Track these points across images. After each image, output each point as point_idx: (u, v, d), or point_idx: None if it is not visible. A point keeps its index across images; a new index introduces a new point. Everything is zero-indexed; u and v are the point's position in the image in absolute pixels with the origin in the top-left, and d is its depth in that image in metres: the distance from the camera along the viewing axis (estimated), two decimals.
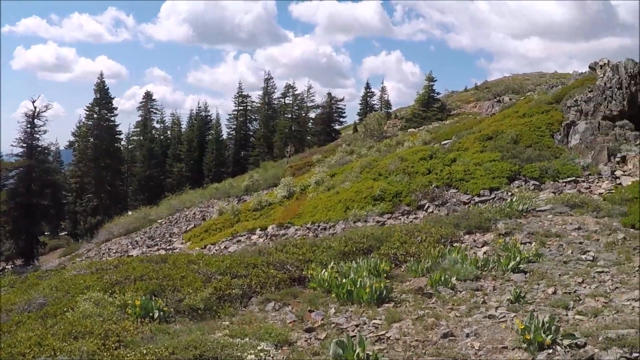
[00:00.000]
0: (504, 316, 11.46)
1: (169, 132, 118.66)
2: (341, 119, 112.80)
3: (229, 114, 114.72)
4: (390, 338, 10.69)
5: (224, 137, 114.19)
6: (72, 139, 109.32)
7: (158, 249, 33.47)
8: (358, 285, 13.30)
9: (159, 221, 46.26)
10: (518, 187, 26.64)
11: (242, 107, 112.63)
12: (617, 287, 13.06)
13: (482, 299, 12.82)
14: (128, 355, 9.49)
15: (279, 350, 10.21)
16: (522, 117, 35.55)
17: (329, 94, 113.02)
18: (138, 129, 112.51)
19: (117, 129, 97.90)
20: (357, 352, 9.38)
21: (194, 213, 45.60)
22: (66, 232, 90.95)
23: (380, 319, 11.73)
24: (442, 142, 37.36)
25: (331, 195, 30.62)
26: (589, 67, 39.88)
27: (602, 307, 11.70)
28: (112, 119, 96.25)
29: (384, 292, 13.11)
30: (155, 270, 15.12)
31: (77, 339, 10.23)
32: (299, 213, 30.10)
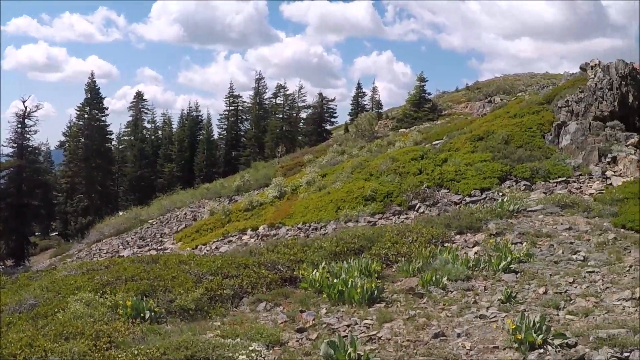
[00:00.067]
0: (495, 316, 11.48)
1: (160, 132, 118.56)
2: (332, 119, 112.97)
3: (220, 114, 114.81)
4: (382, 338, 10.70)
5: (215, 137, 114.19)
6: (62, 139, 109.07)
7: (149, 250, 33.39)
8: (349, 286, 13.31)
9: (150, 221, 46.17)
10: (509, 187, 26.67)
11: (233, 107, 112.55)
12: (607, 287, 13.11)
13: (473, 299, 12.85)
14: (119, 356, 9.47)
15: (271, 351, 10.21)
16: (513, 117, 35.58)
17: (320, 94, 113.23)
18: (129, 129, 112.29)
19: (108, 129, 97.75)
20: (348, 352, 9.38)
21: (185, 213, 45.52)
22: (57, 233, 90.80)
23: (371, 319, 11.74)
24: (433, 143, 37.37)
25: (322, 196, 30.61)
26: (580, 67, 39.96)
27: (592, 307, 11.74)
28: (103, 119, 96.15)
29: (375, 292, 13.12)
30: (146, 271, 15.10)
31: (68, 340, 10.21)
32: (290, 213, 30.07)
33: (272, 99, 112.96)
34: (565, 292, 12.92)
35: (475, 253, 16.96)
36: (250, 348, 9.72)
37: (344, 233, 19.64)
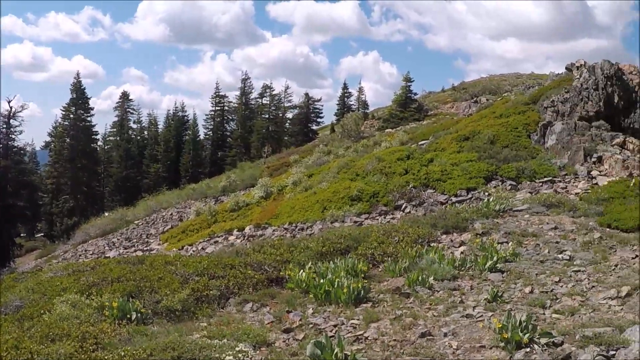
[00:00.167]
0: (482, 315, 11.50)
1: (145, 132, 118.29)
2: (318, 120, 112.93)
3: (206, 114, 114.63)
4: (369, 338, 10.70)
5: (201, 137, 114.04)
6: (48, 139, 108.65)
7: (135, 250, 33.33)
8: (336, 286, 13.30)
9: (136, 222, 46.10)
10: (495, 187, 26.72)
11: (219, 108, 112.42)
12: (593, 286, 13.16)
13: (459, 299, 12.87)
14: (106, 357, 9.44)
15: (257, 351, 10.19)
16: (499, 117, 35.67)
17: (307, 94, 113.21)
18: (115, 129, 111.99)
19: (93, 129, 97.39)
20: (335, 352, 9.37)
21: (171, 214, 45.48)
22: (42, 234, 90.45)
23: (358, 319, 11.74)
24: (420, 143, 37.41)
25: (308, 196, 30.60)
26: (566, 68, 40.09)
27: (578, 305, 11.78)
28: (89, 119, 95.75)
29: (362, 292, 13.12)
30: (132, 272, 15.06)
31: (55, 342, 10.17)
32: (276, 213, 30.06)
33: (258, 99, 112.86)
34: (551, 291, 12.97)
35: (462, 253, 17.00)
36: (237, 349, 9.70)
37: (330, 233, 19.64)
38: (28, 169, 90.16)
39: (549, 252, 16.38)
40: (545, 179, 27.03)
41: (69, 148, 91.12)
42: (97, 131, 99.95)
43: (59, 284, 14.56)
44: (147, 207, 51.58)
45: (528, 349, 9.43)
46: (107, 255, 32.39)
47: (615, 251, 16.25)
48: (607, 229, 18.70)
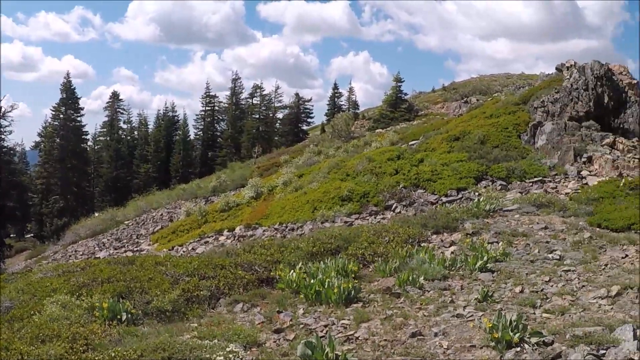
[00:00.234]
0: (472, 315, 11.51)
1: (135, 132, 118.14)
2: (309, 120, 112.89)
3: (196, 115, 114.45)
4: (359, 338, 10.70)
5: (192, 137, 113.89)
6: (38, 139, 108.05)
7: (125, 251, 33.26)
8: (326, 286, 13.30)
9: (126, 222, 45.99)
10: (485, 187, 26.78)
11: (209, 108, 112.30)
12: (583, 286, 13.18)
13: (450, 299, 12.87)
14: (96, 358, 9.41)
15: (248, 352, 10.18)
16: (489, 117, 35.74)
17: (297, 94, 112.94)
18: (105, 130, 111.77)
19: (83, 130, 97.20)
20: (326, 352, 9.37)
21: (161, 214, 45.38)
22: (32, 234, 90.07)
23: (348, 319, 11.73)
24: (410, 143, 37.44)
25: (299, 196, 30.61)
26: (556, 68, 40.21)
27: (569, 305, 11.79)
28: (79, 119, 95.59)
29: (352, 292, 13.11)
30: (122, 272, 15.03)
31: (45, 343, 10.14)
32: (266, 214, 30.05)
33: (248, 99, 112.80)
34: (542, 290, 12.98)
35: (452, 252, 17.00)
36: (228, 349, 9.68)
37: (321, 233, 19.64)
38: (18, 169, 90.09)
39: (539, 252, 16.41)
40: (536, 179, 27.10)
41: (58, 148, 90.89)
42: (87, 131, 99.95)
43: (49, 285, 14.51)
44: (137, 208, 51.45)
45: (518, 349, 9.44)
46: (97, 256, 32.29)
47: (605, 251, 16.28)
48: (597, 229, 18.74)
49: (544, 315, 11.30)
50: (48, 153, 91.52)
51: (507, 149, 30.60)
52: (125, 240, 38.18)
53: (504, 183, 27.20)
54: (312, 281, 13.86)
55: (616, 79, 33.50)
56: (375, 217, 25.78)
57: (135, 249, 33.89)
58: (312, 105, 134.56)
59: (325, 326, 11.48)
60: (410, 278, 14.12)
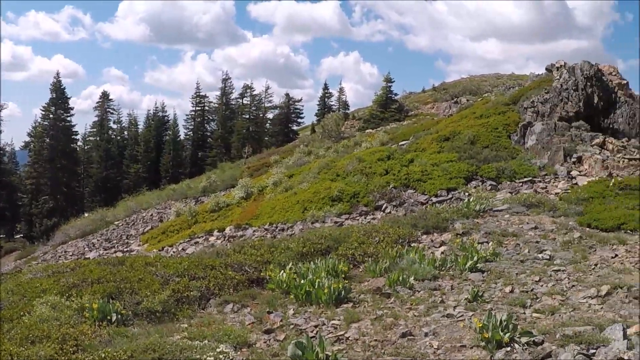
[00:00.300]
0: (462, 315, 11.51)
1: (125, 132, 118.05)
2: (299, 120, 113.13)
3: (186, 115, 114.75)
4: (350, 338, 10.69)
5: (182, 137, 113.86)
6: (27, 139, 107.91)
7: (115, 251, 33.20)
8: (316, 286, 13.28)
9: (116, 223, 45.94)
10: (475, 187, 26.82)
11: (199, 108, 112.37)
12: (573, 285, 13.19)
13: (440, 299, 12.87)
14: (86, 359, 9.38)
15: (238, 352, 10.16)
16: (479, 118, 35.81)
17: (287, 94, 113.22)
18: (95, 130, 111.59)
19: (73, 130, 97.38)
20: (316, 352, 9.35)
21: (151, 214, 45.35)
22: (22, 235, 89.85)
23: (339, 320, 11.72)
24: (400, 143, 37.47)
25: (289, 196, 30.61)
26: (546, 69, 40.35)
27: (559, 305, 11.80)
28: (69, 119, 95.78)
29: (343, 292, 13.10)
30: (112, 273, 14.99)
31: (35, 344, 10.10)
32: (256, 214, 30.04)
33: (238, 100, 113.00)
34: (532, 290, 12.99)
35: (442, 253, 17.00)
36: (218, 350, 9.66)
37: (311, 234, 19.62)
38: (7, 169, 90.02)
39: (529, 252, 16.42)
40: (525, 179, 27.16)
41: (48, 148, 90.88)
42: (77, 131, 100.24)
43: (38, 286, 14.47)
44: (127, 208, 51.40)
45: (509, 348, 9.44)
46: (87, 257, 32.23)
47: (595, 250, 16.31)
48: (587, 229, 18.78)
49: (534, 315, 11.30)
50: (38, 153, 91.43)
51: (497, 149, 30.66)
52: (115, 241, 38.13)
53: (494, 183, 27.25)
54: (302, 281, 13.83)
55: (606, 80, 33.61)
56: (365, 218, 25.79)
57: (125, 249, 33.84)
58: (303, 106, 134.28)
59: (316, 326, 11.47)
60: (401, 278, 14.11)
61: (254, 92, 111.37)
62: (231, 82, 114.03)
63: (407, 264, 15.39)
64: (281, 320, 11.94)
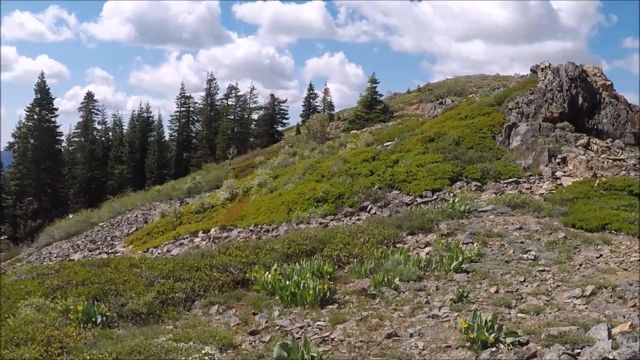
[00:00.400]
0: (447, 316, 11.52)
1: (110, 133, 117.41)
2: (284, 121, 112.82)
3: (171, 115, 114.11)
4: (335, 339, 10.68)
5: (166, 138, 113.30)
6: (11, 140, 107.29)
7: (100, 253, 33.08)
8: (302, 287, 13.27)
9: (101, 224, 45.76)
10: (460, 188, 26.86)
11: (184, 109, 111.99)
12: (558, 285, 13.24)
13: (425, 299, 12.87)
14: None
15: (224, 354, 10.13)
16: (464, 119, 35.88)
17: (272, 95, 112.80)
18: (79, 130, 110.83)
19: (57, 130, 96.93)
20: (301, 353, 9.34)
21: (136, 216, 45.22)
22: (6, 236, 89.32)
23: (324, 321, 11.71)
24: (385, 144, 37.51)
25: (274, 197, 30.59)
26: (531, 70, 40.50)
27: (544, 305, 11.84)
28: (53, 119, 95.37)
29: (328, 293, 13.10)
30: (97, 275, 14.92)
31: (19, 346, 10.04)
32: (241, 215, 30.00)
33: (223, 100, 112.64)
34: (517, 291, 13.02)
35: (427, 253, 17.02)
36: (203, 351, 9.63)
37: (296, 235, 19.59)
38: None
39: (514, 252, 16.46)
40: (510, 179, 27.22)
41: (32, 149, 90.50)
42: (61, 132, 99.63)
43: (23, 288, 14.37)
44: (111, 209, 51.20)
45: (494, 349, 9.46)
46: (71, 258, 32.09)
47: (580, 251, 16.37)
48: (572, 229, 18.84)
49: (519, 315, 11.33)
50: (22, 154, 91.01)
51: (481, 150, 30.72)
52: (99, 242, 38.00)
53: (479, 184, 27.30)
54: (287, 283, 13.82)
55: (590, 80, 33.77)
56: (350, 218, 25.80)
57: (109, 250, 33.74)
58: (288, 107, 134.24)
59: (301, 328, 11.46)
60: (386, 279, 14.12)
61: (239, 93, 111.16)
62: (216, 82, 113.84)
63: (392, 265, 15.39)
64: (266, 322, 11.92)
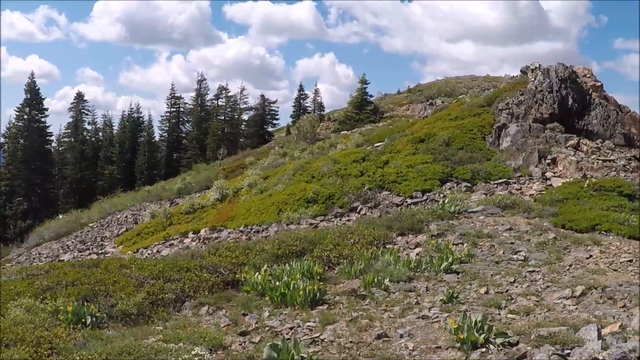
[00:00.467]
0: (437, 316, 11.51)
1: (100, 133, 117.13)
2: (274, 121, 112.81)
3: (161, 116, 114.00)
4: (325, 340, 10.66)
5: (157, 139, 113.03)
6: (1, 140, 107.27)
7: (90, 253, 33.02)
8: (292, 288, 13.24)
9: (91, 225, 45.65)
10: (450, 188, 26.89)
11: (174, 109, 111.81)
12: (548, 286, 13.26)
13: (415, 300, 12.86)
14: None
15: (214, 355, 10.11)
16: (454, 119, 35.90)
17: (262, 95, 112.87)
18: (69, 131, 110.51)
19: (47, 131, 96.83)
20: (291, 354, 9.32)
21: (126, 216, 45.12)
22: None
23: (314, 322, 11.68)
24: (375, 145, 37.51)
25: (264, 198, 30.56)
26: (521, 70, 40.56)
27: (533, 305, 11.85)
28: (43, 120, 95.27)
29: (318, 294, 13.08)
30: (87, 275, 14.86)
31: (9, 347, 9.99)
32: (231, 216, 29.96)
33: (214, 101, 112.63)
34: (507, 291, 13.03)
35: (417, 254, 17.01)
36: (193, 352, 9.61)
37: (286, 235, 19.57)
38: None
39: (504, 253, 16.47)
40: (500, 180, 27.26)
41: (22, 149, 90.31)
42: (51, 132, 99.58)
43: (12, 288, 14.30)
44: (102, 210, 51.07)
45: (484, 349, 9.45)
46: (61, 259, 32.03)
47: (570, 251, 16.40)
48: (562, 230, 18.87)
49: (509, 316, 11.34)
50: (12, 154, 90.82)
51: (472, 150, 30.75)
52: (89, 243, 37.93)
53: (469, 185, 27.34)
54: (277, 283, 13.79)
55: (580, 81, 33.85)
56: (340, 219, 25.79)
57: (99, 251, 33.69)
58: (278, 107, 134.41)
59: (291, 328, 11.44)
60: (376, 280, 14.11)
61: (229, 94, 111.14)
62: (206, 83, 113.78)
63: (382, 266, 15.38)
64: (256, 323, 11.89)
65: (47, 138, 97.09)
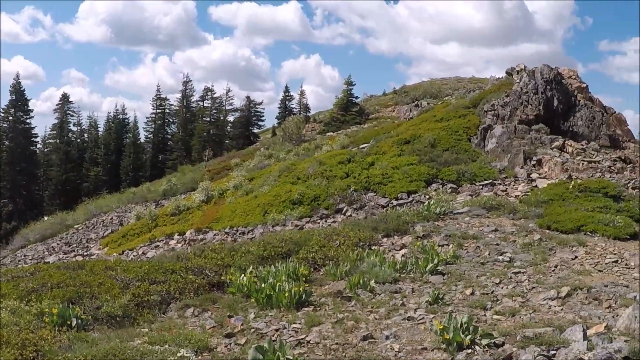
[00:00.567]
0: (423, 318, 11.50)
1: (86, 135, 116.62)
2: (260, 123, 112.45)
3: (147, 117, 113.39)
4: (310, 342, 10.64)
5: (142, 140, 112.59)
6: None
7: (75, 255, 32.94)
8: (277, 290, 13.22)
9: (76, 226, 45.55)
10: (435, 190, 26.92)
11: (160, 110, 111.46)
12: (533, 287, 13.28)
13: (401, 301, 12.86)
14: None
15: (199, 357, 10.08)
16: (440, 121, 35.98)
17: (248, 97, 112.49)
18: (54, 132, 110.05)
19: (33, 132, 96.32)
20: (277, 356, 9.31)
21: (112, 218, 45.03)
22: None
23: (300, 323, 11.66)
24: (361, 146, 37.56)
25: (250, 200, 30.54)
26: (506, 72, 40.68)
27: (519, 306, 11.87)
28: (28, 121, 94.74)
29: (303, 296, 13.06)
30: (72, 277, 14.82)
31: None
32: (217, 217, 29.94)
33: (199, 102, 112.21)
34: (492, 292, 13.05)
35: (403, 255, 17.03)
36: (179, 354, 9.58)
37: (272, 237, 19.56)
38: None
39: (489, 254, 16.49)
40: (486, 182, 27.30)
41: (7, 151, 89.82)
42: (36, 134, 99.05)
43: None
44: (87, 211, 50.96)
45: (470, 350, 9.45)
46: (46, 261, 31.94)
47: (555, 252, 16.44)
48: (547, 231, 18.92)
49: (495, 317, 11.35)
50: None
51: (457, 152, 30.81)
52: (75, 245, 37.84)
53: (455, 186, 27.37)
54: (263, 285, 13.77)
55: (566, 83, 33.94)
56: (326, 221, 25.78)
57: (85, 253, 33.61)
58: (263, 109, 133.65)
59: (277, 330, 11.41)
60: (361, 281, 14.09)
61: (215, 95, 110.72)
62: (192, 84, 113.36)
63: (367, 267, 15.38)
64: (242, 324, 11.86)
65: (32, 139, 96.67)
